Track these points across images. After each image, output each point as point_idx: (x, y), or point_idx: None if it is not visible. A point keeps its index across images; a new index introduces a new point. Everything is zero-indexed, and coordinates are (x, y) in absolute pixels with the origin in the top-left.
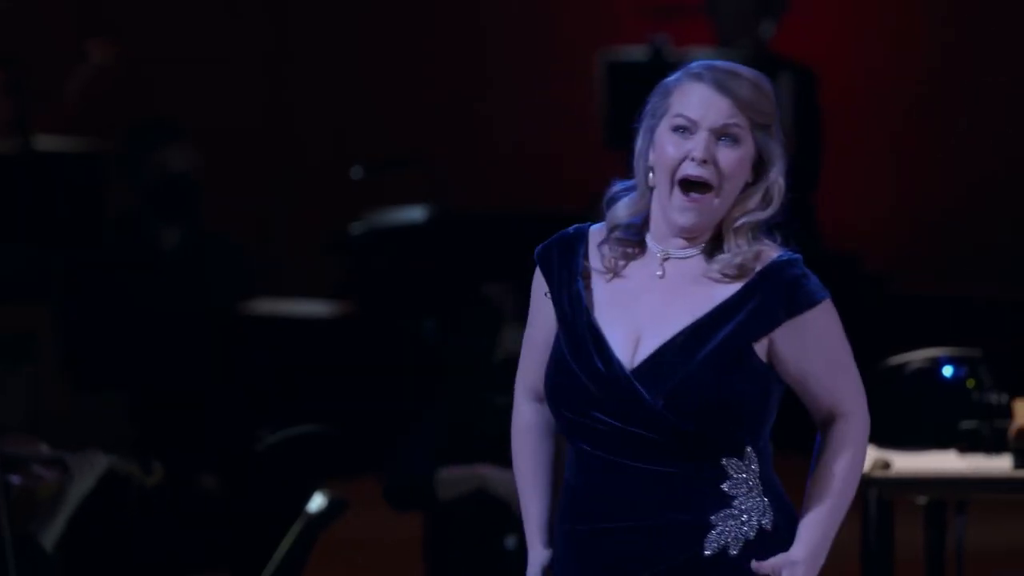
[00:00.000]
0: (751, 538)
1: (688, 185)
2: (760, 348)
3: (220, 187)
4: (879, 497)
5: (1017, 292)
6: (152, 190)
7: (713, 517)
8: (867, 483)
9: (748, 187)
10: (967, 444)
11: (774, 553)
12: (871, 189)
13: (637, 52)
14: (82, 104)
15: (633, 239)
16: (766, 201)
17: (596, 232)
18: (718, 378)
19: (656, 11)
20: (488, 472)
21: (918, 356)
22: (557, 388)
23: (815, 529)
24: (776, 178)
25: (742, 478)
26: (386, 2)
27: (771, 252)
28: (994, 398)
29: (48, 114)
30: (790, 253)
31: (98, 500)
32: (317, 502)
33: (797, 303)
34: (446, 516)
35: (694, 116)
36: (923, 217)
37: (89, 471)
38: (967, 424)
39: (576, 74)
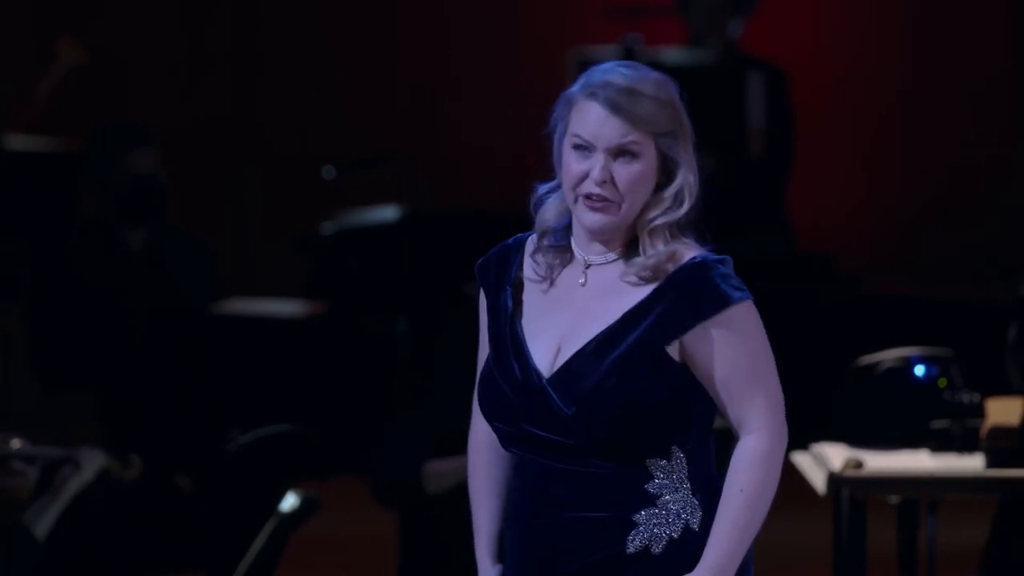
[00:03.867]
0: (675, 537)
1: (590, 199)
2: (674, 350)
3: (190, 187)
4: (851, 496)
5: (989, 292)
6: (118, 193)
7: (636, 516)
8: (839, 482)
9: (659, 190)
10: (939, 443)
11: (699, 551)
12: (844, 189)
13: (608, 51)
14: (51, 103)
15: (562, 244)
16: (678, 202)
17: (532, 241)
18: (627, 384)
19: (626, 11)
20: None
21: (890, 356)
22: (485, 400)
23: (717, 550)
24: (685, 179)
25: (668, 478)
26: (354, 1)
27: (686, 252)
28: (966, 397)
29: (17, 113)
30: (708, 253)
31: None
32: (289, 501)
33: (707, 305)
34: (424, 509)
35: (589, 138)
36: (895, 217)
37: (91, 465)
38: (939, 423)
39: (546, 73)
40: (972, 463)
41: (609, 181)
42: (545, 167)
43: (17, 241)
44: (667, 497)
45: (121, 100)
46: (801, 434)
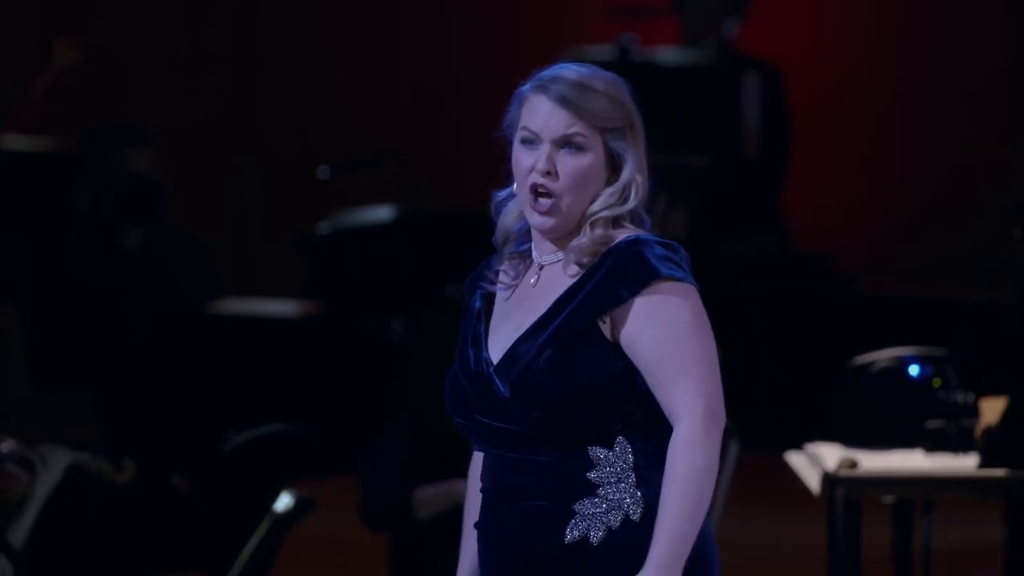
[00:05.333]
0: (614, 527)
1: (537, 192)
2: (607, 329)
3: (189, 187)
4: (846, 496)
5: (983, 292)
6: (115, 192)
7: (576, 505)
8: (834, 482)
9: (606, 186)
10: (933, 443)
11: (639, 543)
12: (843, 189)
13: (604, 51)
14: (48, 104)
15: (523, 250)
16: (623, 198)
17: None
18: (559, 362)
19: (626, 11)
20: (464, 488)
21: (884, 355)
22: (448, 395)
23: (660, 544)
24: (632, 176)
25: (611, 467)
26: (354, 1)
27: (622, 234)
28: (960, 397)
29: (14, 113)
30: (646, 234)
31: (67, 496)
32: (284, 501)
33: (633, 279)
34: (414, 532)
35: (536, 129)
36: (894, 217)
37: (52, 466)
38: (933, 423)
39: None
40: (967, 463)
41: (553, 172)
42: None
43: (15, 241)
44: (607, 487)
45: (121, 100)
46: (796, 434)
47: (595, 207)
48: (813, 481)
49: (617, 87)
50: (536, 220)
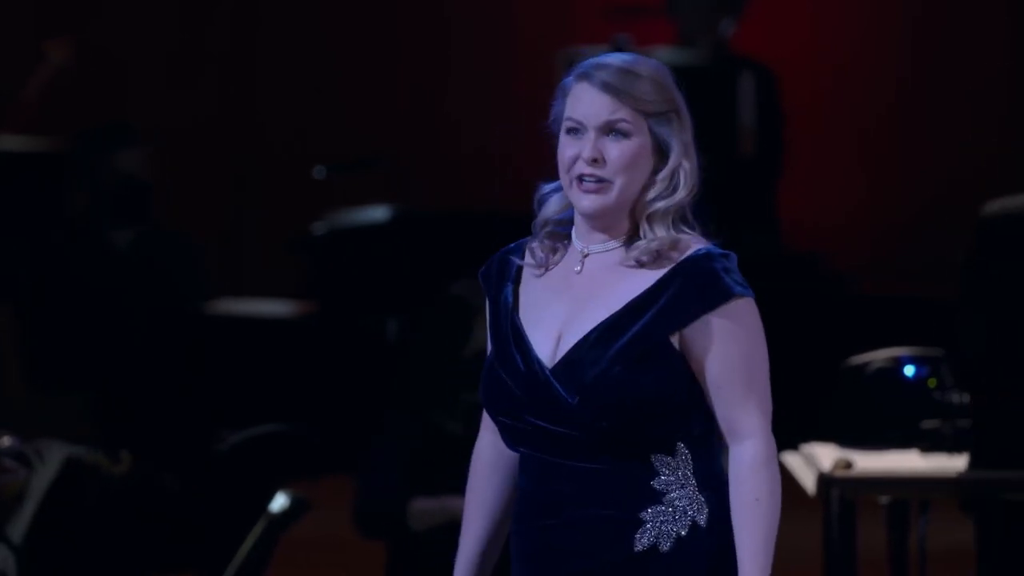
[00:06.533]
0: (683, 535)
1: (583, 181)
2: (676, 341)
3: (188, 186)
4: (841, 497)
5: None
6: (106, 193)
7: (643, 513)
8: (829, 483)
9: (654, 174)
10: (929, 444)
11: (707, 549)
12: (838, 189)
13: (597, 52)
14: (42, 104)
15: (562, 232)
16: (672, 185)
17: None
18: (632, 374)
19: (618, 11)
20: (460, 505)
21: (880, 356)
22: (488, 394)
23: (752, 567)
24: (679, 162)
25: (674, 475)
26: (350, 1)
27: (692, 243)
28: (956, 398)
29: (8, 114)
30: (714, 247)
31: (64, 490)
32: (279, 502)
33: (710, 297)
34: (409, 542)
35: (580, 117)
36: (894, 217)
37: (49, 460)
38: (929, 424)
39: (539, 73)
40: (962, 463)
41: (600, 159)
42: (539, 166)
43: (9, 241)
44: (674, 494)
45: (120, 99)
46: (791, 434)
47: (649, 196)
48: (809, 481)
49: (661, 72)
50: (585, 203)
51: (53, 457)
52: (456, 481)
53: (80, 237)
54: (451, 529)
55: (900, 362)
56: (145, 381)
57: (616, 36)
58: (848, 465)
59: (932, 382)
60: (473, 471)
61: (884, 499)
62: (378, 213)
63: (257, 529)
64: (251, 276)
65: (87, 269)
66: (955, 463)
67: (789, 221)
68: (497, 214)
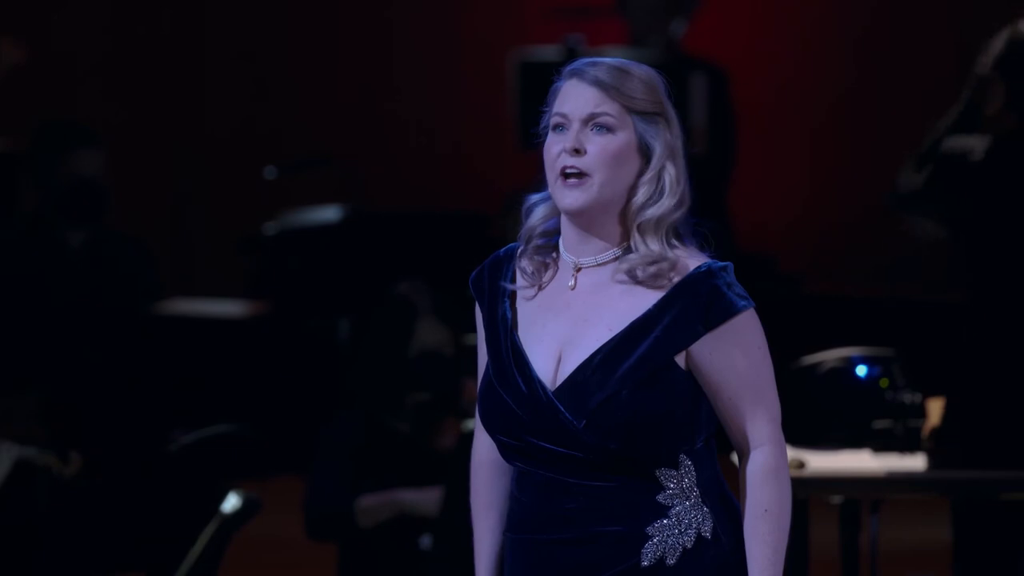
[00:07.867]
0: (689, 547)
1: (566, 175)
2: (681, 359)
3: (132, 185)
4: (793, 496)
5: (931, 292)
6: (59, 192)
7: (649, 528)
8: None
9: (639, 176)
10: (881, 443)
11: (712, 561)
12: (787, 190)
13: (550, 52)
14: None
15: (550, 244)
16: (659, 191)
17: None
18: (638, 396)
19: (567, 11)
20: (406, 496)
21: (832, 356)
22: (488, 414)
23: (767, 573)
24: (662, 164)
25: (678, 488)
26: (295, 2)
27: (690, 262)
28: (907, 398)
29: None
30: (712, 262)
31: (15, 491)
32: (231, 502)
33: (715, 314)
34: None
35: (565, 111)
36: (839, 218)
37: (4, 460)
38: (881, 423)
39: (487, 73)
40: (914, 463)
41: (581, 150)
42: (487, 166)
43: None
44: (678, 507)
45: (67, 98)
46: None
47: (636, 202)
48: None
49: (654, 77)
50: (567, 200)
51: (3, 458)
52: (403, 480)
53: (32, 237)
54: (399, 523)
55: (852, 362)
56: (96, 382)
57: (568, 36)
58: (800, 465)
59: (884, 382)
60: (474, 471)
61: (836, 499)
62: (329, 213)
63: (209, 529)
64: (202, 276)
65: (39, 269)
66: (907, 463)
67: (737, 222)
68: (448, 214)
